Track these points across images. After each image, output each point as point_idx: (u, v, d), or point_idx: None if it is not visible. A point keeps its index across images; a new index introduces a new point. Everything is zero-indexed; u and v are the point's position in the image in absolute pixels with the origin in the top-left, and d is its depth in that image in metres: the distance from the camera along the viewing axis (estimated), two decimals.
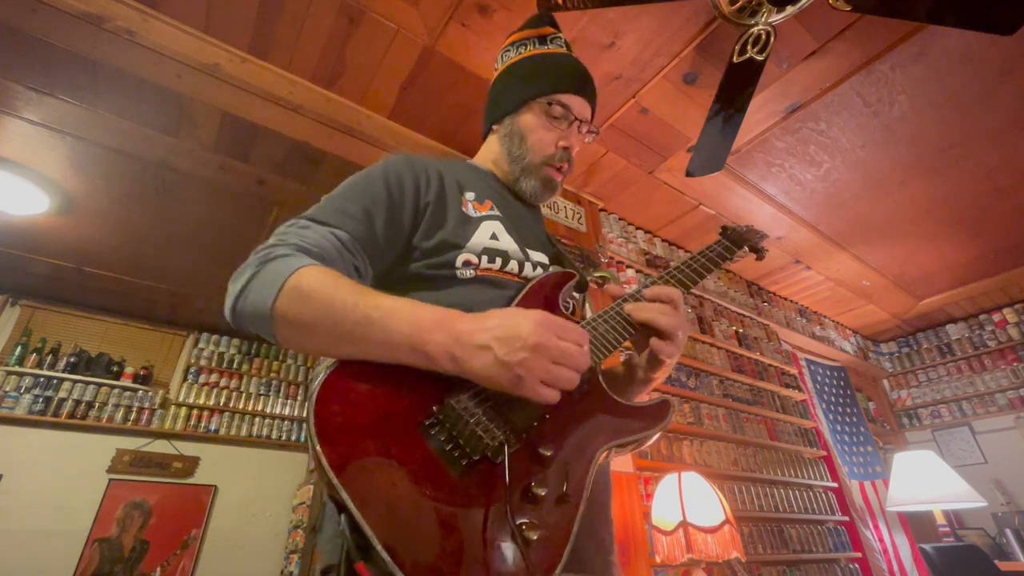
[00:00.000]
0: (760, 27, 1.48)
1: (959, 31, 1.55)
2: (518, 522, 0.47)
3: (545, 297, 0.75)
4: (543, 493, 0.50)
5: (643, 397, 0.83)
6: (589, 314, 0.77)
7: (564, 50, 1.00)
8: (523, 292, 0.74)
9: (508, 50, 1.02)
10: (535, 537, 0.46)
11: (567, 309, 0.78)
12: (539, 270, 0.82)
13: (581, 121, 0.93)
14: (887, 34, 1.71)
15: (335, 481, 0.44)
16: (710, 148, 1.86)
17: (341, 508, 0.44)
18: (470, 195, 0.85)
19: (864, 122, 2.09)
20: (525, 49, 0.98)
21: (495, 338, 0.53)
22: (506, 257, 0.79)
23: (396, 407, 0.53)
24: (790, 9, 1.45)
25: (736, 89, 1.63)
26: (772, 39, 1.49)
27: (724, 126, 1.76)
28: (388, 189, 0.77)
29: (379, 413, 0.52)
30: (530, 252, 0.84)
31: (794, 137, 2.14)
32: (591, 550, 0.64)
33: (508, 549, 0.46)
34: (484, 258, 0.77)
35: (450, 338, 0.54)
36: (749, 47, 1.51)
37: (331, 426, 0.48)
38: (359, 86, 1.91)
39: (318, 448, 0.45)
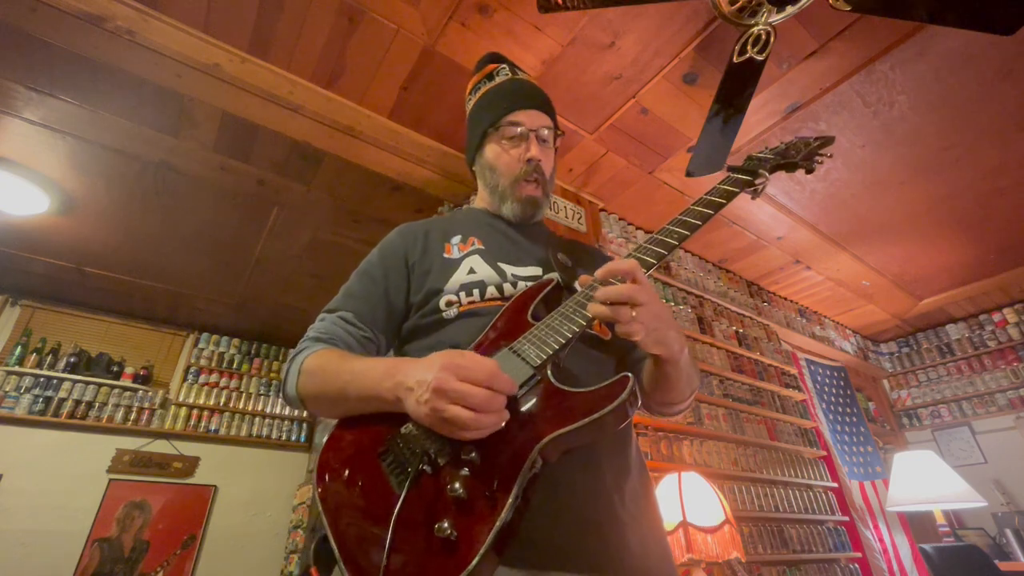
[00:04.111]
0: (760, 27, 1.48)
1: (959, 31, 1.55)
2: (437, 524, 0.53)
3: (514, 313, 0.79)
4: (465, 495, 0.55)
5: (673, 393, 0.78)
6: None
7: (509, 76, 1.04)
8: (496, 315, 0.79)
9: (468, 99, 1.08)
10: (451, 535, 0.52)
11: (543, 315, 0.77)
12: (524, 284, 0.86)
13: (536, 130, 0.96)
14: (887, 34, 1.71)
15: (320, 508, 0.61)
16: (710, 148, 1.86)
17: (322, 527, 0.60)
18: (456, 239, 0.93)
19: (864, 122, 2.09)
20: (477, 92, 1.05)
21: (417, 381, 0.60)
22: (482, 286, 0.84)
23: (366, 443, 0.67)
24: (790, 9, 1.45)
25: (736, 89, 1.63)
26: (772, 39, 1.49)
27: (724, 126, 1.76)
28: (382, 264, 0.91)
29: (355, 450, 0.67)
30: (513, 271, 0.88)
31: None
32: (588, 546, 0.64)
33: (422, 548, 0.54)
34: (462, 294, 0.83)
35: (394, 383, 0.64)
36: (749, 47, 1.51)
37: (324, 470, 0.65)
38: (359, 86, 1.91)
39: (315, 486, 0.64)
